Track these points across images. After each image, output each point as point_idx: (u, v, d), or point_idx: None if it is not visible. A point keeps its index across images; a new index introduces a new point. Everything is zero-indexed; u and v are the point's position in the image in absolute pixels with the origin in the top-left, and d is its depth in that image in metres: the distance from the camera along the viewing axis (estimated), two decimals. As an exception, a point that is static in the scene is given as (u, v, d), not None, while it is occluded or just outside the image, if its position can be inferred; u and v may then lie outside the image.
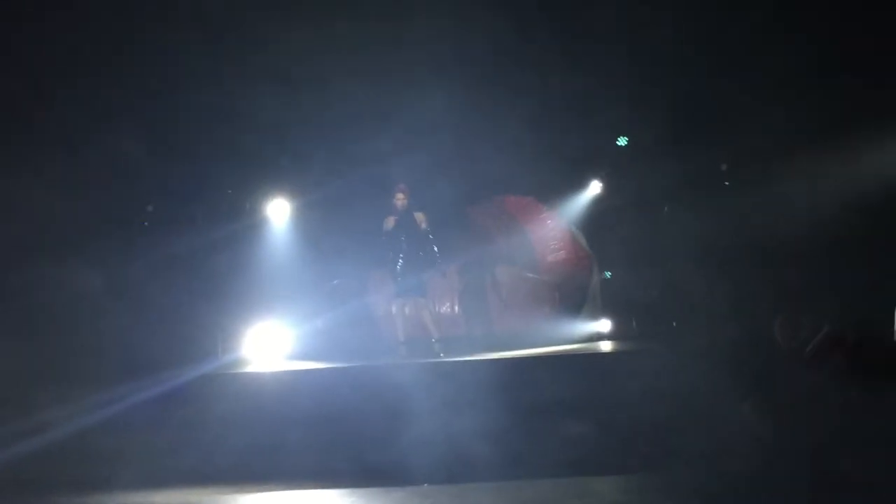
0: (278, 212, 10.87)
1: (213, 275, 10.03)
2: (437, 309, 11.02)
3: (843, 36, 8.42)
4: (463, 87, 9.20)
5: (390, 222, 9.60)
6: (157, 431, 7.49)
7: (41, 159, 8.74)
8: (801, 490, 5.35)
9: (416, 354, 9.61)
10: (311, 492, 6.49)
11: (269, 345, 10.25)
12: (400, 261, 9.57)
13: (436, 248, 9.65)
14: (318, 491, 6.50)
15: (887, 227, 8.28)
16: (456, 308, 11.21)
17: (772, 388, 6.30)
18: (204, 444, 7.35)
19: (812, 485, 5.35)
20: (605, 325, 10.81)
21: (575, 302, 11.10)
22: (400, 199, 9.58)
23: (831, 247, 8.43)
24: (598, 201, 11.15)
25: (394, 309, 9.99)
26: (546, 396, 7.64)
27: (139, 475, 6.89)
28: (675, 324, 10.19)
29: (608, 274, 11.04)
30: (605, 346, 10.21)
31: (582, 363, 9.02)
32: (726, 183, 10.32)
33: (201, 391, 8.18)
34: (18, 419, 7.32)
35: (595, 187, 11.14)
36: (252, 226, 10.76)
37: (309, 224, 11.08)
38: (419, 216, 9.58)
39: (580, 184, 11.15)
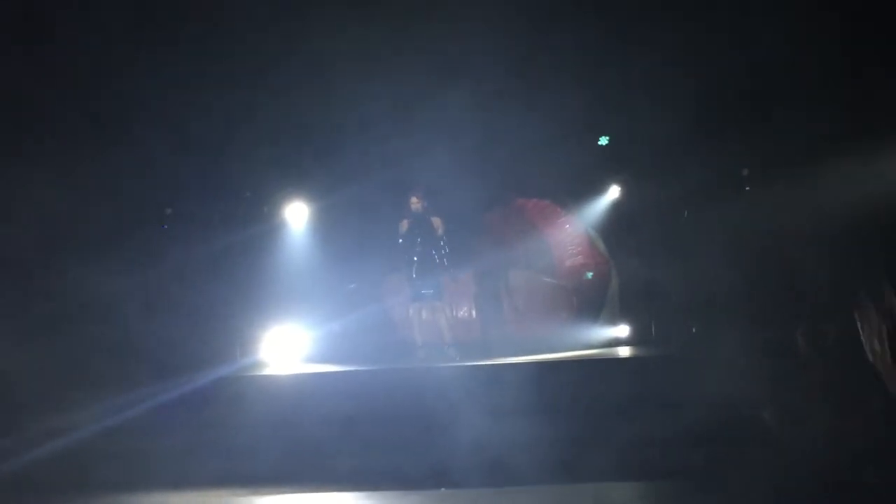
0: (296, 215, 10.89)
1: (232, 278, 10.07)
2: (454, 313, 11.01)
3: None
4: (482, 91, 9.18)
5: (405, 226, 9.62)
6: (176, 434, 7.53)
7: (60, 162, 8.79)
8: (819, 498, 5.30)
9: (433, 358, 9.61)
10: (329, 494, 6.51)
11: (287, 348, 10.28)
12: (416, 265, 9.57)
13: (445, 253, 9.63)
14: (335, 494, 6.51)
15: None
16: (473, 313, 11.19)
17: (792, 396, 6.24)
18: (222, 446, 7.38)
19: (830, 493, 5.29)
20: (623, 330, 10.75)
21: (593, 307, 11.05)
22: (415, 204, 9.59)
23: (858, 251, 8.33)
24: (617, 206, 11.09)
25: (411, 312, 10.00)
26: (564, 402, 7.61)
27: (158, 477, 6.92)
28: (694, 330, 10.11)
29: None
30: (624, 351, 10.15)
31: (600, 368, 8.97)
32: (747, 188, 10.22)
33: (220, 394, 8.21)
34: (38, 421, 7.38)
35: (614, 191, 11.08)
36: (270, 229, 10.79)
37: (326, 228, 11.09)
38: (436, 221, 9.59)
39: (599, 188, 11.10)
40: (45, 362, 8.02)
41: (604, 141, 10.69)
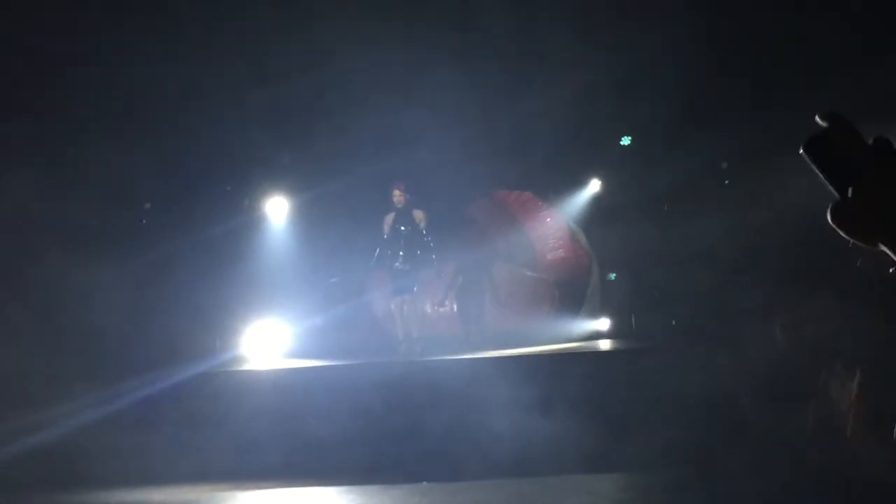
0: (277, 209, 10.84)
1: (212, 272, 9.99)
2: (434, 307, 10.99)
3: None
4: (462, 84, 9.16)
5: (389, 220, 9.55)
6: (155, 429, 7.46)
7: (38, 158, 8.71)
8: (804, 486, 5.34)
9: (414, 352, 9.59)
10: (309, 489, 6.48)
11: (268, 342, 10.22)
12: (398, 258, 9.52)
13: (427, 246, 9.59)
14: (315, 488, 6.49)
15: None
16: (454, 306, 11.18)
17: (772, 385, 6.28)
18: (202, 441, 7.32)
19: (814, 480, 5.33)
20: (604, 323, 10.78)
21: (574, 300, 11.06)
22: (397, 196, 9.51)
23: (833, 244, 8.42)
24: (598, 199, 11.12)
25: (392, 307, 9.96)
26: (545, 394, 7.60)
27: (138, 473, 6.88)
28: (674, 322, 10.16)
29: (612, 276, 10.98)
30: (605, 344, 10.18)
31: (581, 361, 9.00)
32: (726, 181, 10.29)
33: (199, 389, 8.15)
34: (17, 418, 7.29)
35: (595, 185, 11.10)
36: (250, 223, 10.72)
37: (307, 222, 11.04)
38: (418, 214, 9.52)
39: (580, 181, 11.11)
40: (22, 359, 7.93)
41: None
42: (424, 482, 6.39)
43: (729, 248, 9.15)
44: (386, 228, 9.57)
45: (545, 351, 9.52)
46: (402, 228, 9.47)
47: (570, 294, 11.06)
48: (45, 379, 7.84)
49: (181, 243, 9.76)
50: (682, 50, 8.96)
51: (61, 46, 8.60)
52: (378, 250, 9.65)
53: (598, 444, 6.77)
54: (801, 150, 1.15)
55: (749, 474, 5.75)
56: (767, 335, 6.88)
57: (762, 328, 7.07)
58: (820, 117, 1.18)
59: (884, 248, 1.11)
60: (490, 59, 9.15)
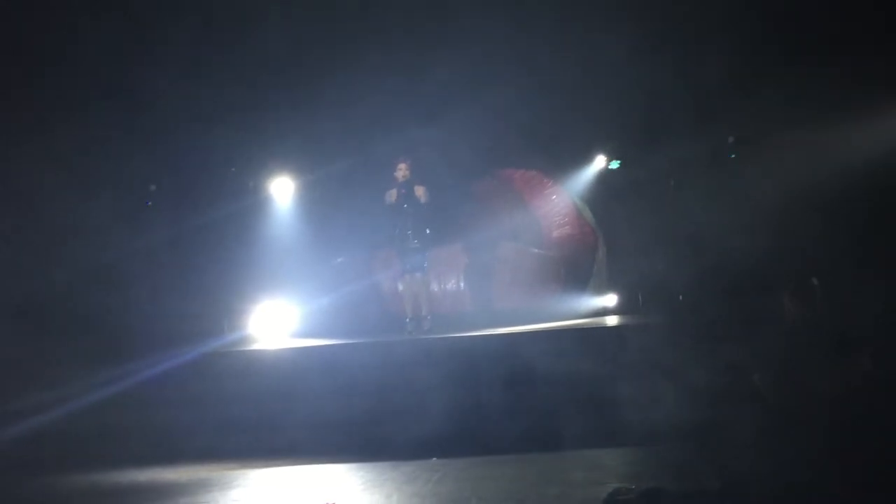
0: (282, 190, 10.84)
1: (218, 253, 10.03)
2: (441, 286, 11.00)
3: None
4: (467, 61, 9.12)
5: (392, 196, 9.45)
6: (164, 409, 7.52)
7: (45, 138, 8.72)
8: (809, 462, 5.34)
9: (422, 331, 9.61)
10: (320, 466, 6.52)
11: (275, 322, 10.26)
12: (406, 235, 9.47)
13: (431, 223, 9.53)
14: (326, 466, 6.53)
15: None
16: (461, 284, 11.19)
17: (777, 362, 6.27)
18: (211, 420, 7.39)
19: (818, 458, 5.33)
20: (611, 299, 10.79)
21: (581, 277, 11.07)
22: (401, 171, 9.41)
23: (837, 218, 8.40)
24: (604, 176, 11.08)
25: (400, 286, 9.96)
26: (552, 370, 7.62)
27: (147, 452, 6.94)
28: (681, 298, 10.16)
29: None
30: (611, 320, 10.19)
31: (587, 337, 9.01)
32: (732, 156, 10.25)
33: (208, 368, 8.20)
34: (26, 398, 7.36)
35: (601, 161, 11.06)
36: (256, 204, 10.74)
37: (313, 202, 11.06)
38: (419, 189, 9.40)
39: (586, 158, 11.08)
40: (29, 338, 7.99)
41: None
42: (434, 458, 6.43)
43: (736, 223, 9.13)
44: (388, 204, 9.47)
45: (552, 327, 9.54)
46: (407, 206, 9.40)
47: (577, 271, 11.06)
48: (54, 360, 7.90)
49: (187, 225, 9.79)
50: (691, 23, 8.92)
51: (64, 22, 8.58)
52: (392, 227, 9.57)
53: (604, 419, 6.82)
54: None
55: (756, 450, 5.77)
56: (776, 309, 6.88)
57: (771, 302, 7.06)
58: None
59: None
60: (495, 35, 9.09)
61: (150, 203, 10.42)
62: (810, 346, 5.37)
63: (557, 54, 9.39)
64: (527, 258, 11.19)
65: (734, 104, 9.48)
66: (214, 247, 10.06)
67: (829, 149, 8.75)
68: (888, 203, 8.45)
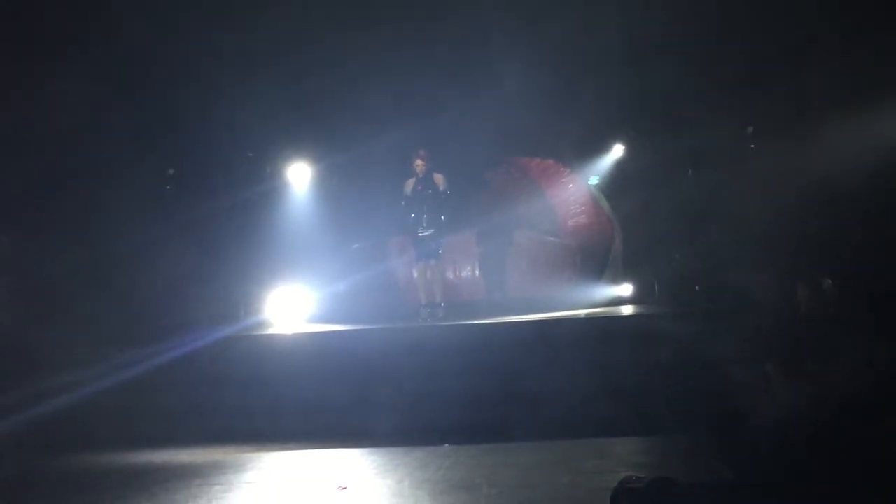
0: (299, 176, 10.88)
1: (236, 238, 10.08)
2: (456, 273, 11.01)
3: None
4: (485, 47, 9.10)
5: (409, 185, 9.53)
6: (182, 392, 7.58)
7: (64, 125, 8.77)
8: (821, 454, 5.32)
9: (436, 318, 9.64)
10: (334, 451, 6.57)
11: (291, 307, 10.32)
12: (422, 223, 9.51)
13: (449, 211, 9.55)
14: (340, 450, 6.57)
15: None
16: (476, 272, 11.20)
17: (793, 353, 6.25)
18: (227, 404, 7.44)
19: (829, 449, 5.32)
20: (626, 289, 10.76)
21: (596, 266, 11.04)
22: (419, 164, 9.47)
23: (855, 210, 8.33)
24: (621, 164, 11.05)
25: (415, 273, 9.99)
26: (565, 359, 7.63)
27: (162, 434, 7.01)
28: (697, 287, 10.12)
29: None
30: (627, 309, 10.17)
31: (602, 326, 9.00)
32: (752, 145, 10.18)
33: (224, 352, 8.25)
34: (46, 380, 7.44)
35: (618, 150, 11.02)
36: (274, 189, 10.78)
37: (330, 188, 11.09)
38: (438, 178, 9.47)
39: (603, 147, 11.04)
40: (49, 320, 8.07)
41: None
42: (446, 444, 6.45)
43: (753, 212, 9.08)
44: (407, 191, 9.54)
45: (567, 316, 9.53)
46: (424, 194, 9.44)
47: (593, 260, 11.04)
48: (70, 343, 7.97)
49: (204, 210, 9.84)
50: (707, 11, 8.85)
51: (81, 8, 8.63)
52: (408, 216, 9.59)
53: (616, 409, 6.82)
54: None
55: (769, 441, 5.75)
56: (790, 300, 6.85)
57: (785, 293, 7.04)
58: None
59: None
60: (511, 21, 9.06)
61: (168, 187, 10.47)
62: (822, 339, 5.35)
63: (575, 41, 9.34)
64: (542, 246, 11.17)
65: (753, 92, 9.41)
66: (231, 232, 10.11)
67: (848, 139, 8.67)
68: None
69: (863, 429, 5.13)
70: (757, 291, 7.93)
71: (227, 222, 10.09)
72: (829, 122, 8.74)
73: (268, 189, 10.78)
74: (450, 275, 10.79)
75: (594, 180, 11.16)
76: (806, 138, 8.90)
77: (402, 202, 9.61)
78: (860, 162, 8.14)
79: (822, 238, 8.04)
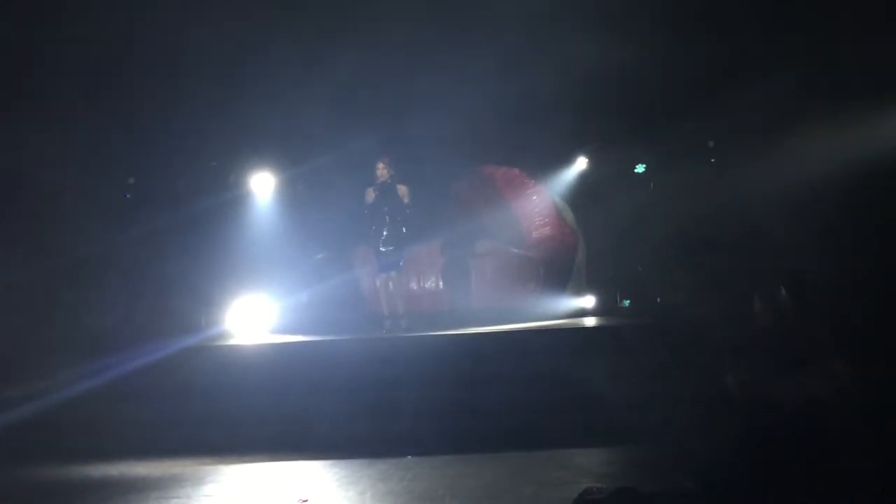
0: (262, 185, 10.82)
1: (197, 248, 9.97)
2: (419, 284, 10.98)
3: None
4: (448, 58, 9.13)
5: (370, 194, 9.47)
6: (140, 404, 7.46)
7: (25, 132, 8.65)
8: (784, 462, 5.38)
9: (399, 329, 9.61)
10: (294, 463, 6.51)
11: (253, 318, 10.22)
12: (383, 235, 9.48)
13: (411, 222, 9.53)
14: (301, 462, 6.51)
15: (872, 201, 8.33)
16: (440, 283, 11.18)
17: (750, 362, 6.33)
18: (186, 416, 7.34)
19: (794, 456, 5.37)
20: (589, 300, 10.83)
21: (560, 278, 11.09)
22: (381, 171, 9.43)
23: (814, 222, 8.47)
24: (584, 176, 11.14)
25: (378, 284, 9.94)
26: (528, 370, 7.65)
27: (124, 446, 6.89)
28: (659, 299, 10.23)
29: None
30: (589, 321, 10.23)
31: (565, 338, 9.03)
32: (712, 160, 10.33)
33: (183, 364, 8.14)
34: (5, 392, 7.30)
35: (581, 163, 11.11)
36: (236, 199, 10.70)
37: (293, 198, 11.03)
38: (402, 189, 9.43)
39: (567, 159, 11.13)
40: (4, 331, 7.92)
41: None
42: (409, 456, 6.43)
43: (713, 224, 9.20)
44: (368, 203, 9.49)
45: (530, 328, 9.56)
46: (386, 204, 9.41)
47: (556, 272, 11.09)
48: (31, 354, 7.83)
49: (166, 218, 9.74)
50: (674, 27, 8.98)
51: (43, 19, 8.52)
52: (370, 227, 9.55)
53: (580, 420, 6.85)
54: None
55: (736, 451, 5.80)
56: (752, 310, 6.93)
57: (747, 303, 7.12)
58: None
59: None
60: (479, 34, 9.12)
61: (128, 196, 10.35)
62: (781, 351, 5.42)
63: (541, 53, 9.42)
64: (506, 258, 11.20)
65: (716, 102, 9.53)
66: (193, 241, 10.00)
67: (802, 151, 8.82)
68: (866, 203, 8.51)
69: (823, 438, 5.19)
70: (716, 302, 8.01)
71: (189, 231, 9.99)
72: (792, 131, 8.89)
73: (231, 198, 10.70)
74: (413, 285, 10.75)
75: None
76: (769, 147, 9.05)
77: (365, 210, 9.56)
78: (824, 171, 8.28)
79: (783, 247, 8.16)
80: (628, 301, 10.94)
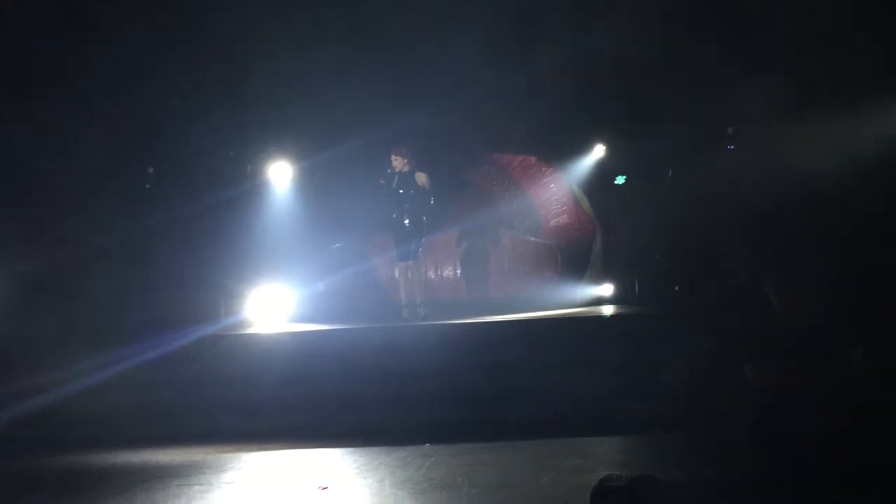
0: (280, 174, 10.84)
1: (216, 237, 10.01)
2: (439, 273, 11.00)
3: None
4: (466, 45, 9.10)
5: (388, 183, 9.48)
6: (159, 391, 7.53)
7: (43, 120, 8.70)
8: (799, 453, 5.37)
9: (417, 317, 9.63)
10: (314, 450, 6.54)
11: (272, 307, 10.28)
12: (403, 223, 9.48)
13: (430, 211, 9.51)
14: (320, 450, 6.55)
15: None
16: (458, 272, 11.20)
17: (768, 351, 6.31)
18: (206, 403, 7.40)
19: (809, 446, 5.36)
20: (607, 289, 10.81)
21: (577, 266, 11.08)
22: (397, 162, 9.42)
23: (831, 211, 8.40)
24: (602, 164, 11.09)
25: (397, 272, 9.96)
26: (546, 358, 7.66)
27: (146, 435, 6.95)
28: (677, 288, 10.19)
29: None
30: (607, 309, 10.21)
31: (583, 326, 9.03)
32: (730, 147, 10.25)
33: (203, 352, 8.20)
34: (25, 379, 7.36)
35: (599, 150, 11.06)
36: (254, 188, 10.73)
37: (311, 187, 11.05)
38: (420, 177, 9.42)
39: (585, 147, 11.08)
40: (27, 319, 7.99)
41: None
42: (427, 444, 6.45)
43: (730, 212, 9.14)
44: (387, 192, 9.48)
45: (547, 316, 9.56)
46: (405, 193, 9.40)
47: (573, 260, 11.08)
48: (51, 342, 7.89)
49: (184, 208, 9.78)
50: (690, 12, 8.90)
51: (63, 8, 8.56)
52: (389, 215, 9.55)
53: (597, 408, 6.84)
54: None
55: (749, 440, 5.79)
56: (766, 299, 6.91)
57: (761, 292, 7.09)
58: None
59: None
60: (495, 19, 9.07)
61: (148, 186, 10.39)
62: (797, 340, 5.40)
63: (557, 40, 9.37)
64: (524, 246, 11.20)
65: (732, 93, 9.46)
66: (212, 231, 10.04)
67: (835, 136, 8.72)
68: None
69: (836, 428, 5.18)
70: (734, 292, 7.98)
71: (208, 221, 10.02)
72: (808, 119, 8.81)
73: (248, 188, 10.72)
74: (431, 274, 10.78)
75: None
76: (788, 136, 8.97)
77: (384, 199, 9.56)
78: (841, 161, 8.20)
79: (802, 238, 8.09)
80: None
